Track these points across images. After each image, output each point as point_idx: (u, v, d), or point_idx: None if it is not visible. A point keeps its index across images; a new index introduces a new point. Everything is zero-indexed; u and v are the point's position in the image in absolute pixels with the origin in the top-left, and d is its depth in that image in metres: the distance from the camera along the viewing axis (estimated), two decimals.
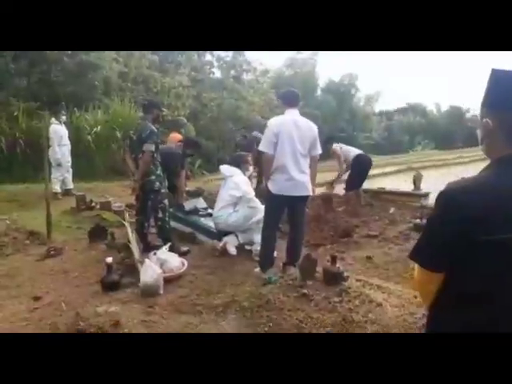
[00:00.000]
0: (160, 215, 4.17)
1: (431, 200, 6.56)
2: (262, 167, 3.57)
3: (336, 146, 6.08)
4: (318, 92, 24.10)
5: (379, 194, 6.65)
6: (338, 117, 22.55)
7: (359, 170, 5.89)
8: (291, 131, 3.37)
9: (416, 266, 1.25)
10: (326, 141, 5.84)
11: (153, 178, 4.10)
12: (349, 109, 24.52)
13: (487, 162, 1.21)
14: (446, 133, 31.61)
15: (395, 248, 4.23)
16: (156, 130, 4.12)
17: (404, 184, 9.22)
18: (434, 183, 8.87)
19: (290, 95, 3.61)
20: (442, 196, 1.17)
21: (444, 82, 63.96)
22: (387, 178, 10.80)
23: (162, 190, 4.19)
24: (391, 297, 2.96)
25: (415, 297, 2.92)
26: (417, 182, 6.45)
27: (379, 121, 29.57)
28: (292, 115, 3.48)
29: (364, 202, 6.19)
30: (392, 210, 5.15)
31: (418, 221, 4.64)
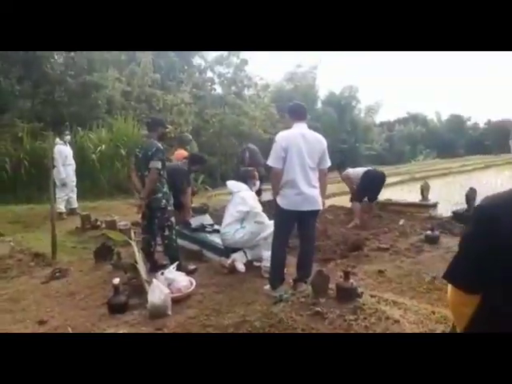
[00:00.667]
0: (167, 233, 4.10)
1: (439, 210, 6.49)
2: (271, 182, 3.50)
3: (346, 172, 6.10)
4: (319, 105, 24.23)
5: (387, 205, 6.57)
6: (339, 129, 22.62)
7: (368, 184, 5.83)
8: (300, 145, 3.32)
9: (449, 286, 1.19)
10: (338, 167, 5.90)
11: (159, 195, 4.05)
12: (350, 120, 24.62)
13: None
14: (447, 141, 31.64)
15: (407, 261, 4.12)
16: (162, 148, 4.08)
17: (408, 194, 9.15)
18: (439, 192, 8.83)
19: (298, 108, 3.56)
20: (476, 211, 1.11)
21: (444, 90, 64.49)
22: (391, 188, 10.72)
23: (169, 208, 4.13)
24: (408, 313, 2.86)
25: (433, 313, 2.83)
26: (424, 192, 6.37)
27: (380, 132, 29.65)
28: (300, 129, 3.43)
29: (373, 214, 6.13)
30: (402, 221, 5.06)
31: (429, 232, 4.55)
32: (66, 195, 7.45)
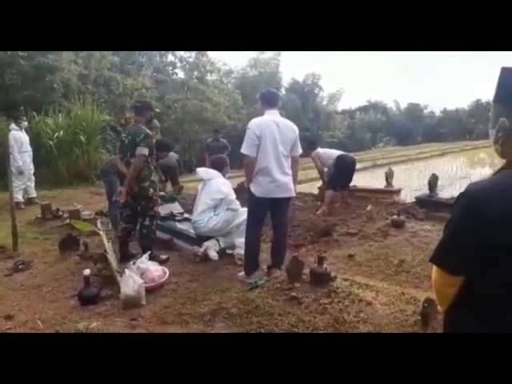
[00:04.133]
0: (147, 223, 3.96)
1: (403, 196, 6.75)
2: (245, 170, 3.48)
3: (316, 152, 6.09)
4: (283, 91, 24.29)
5: (353, 191, 6.74)
6: (302, 116, 22.83)
7: (341, 170, 5.91)
8: (273, 133, 3.32)
9: (434, 268, 1.24)
10: (308, 146, 5.81)
11: (146, 184, 3.89)
12: (313, 108, 24.89)
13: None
14: (406, 129, 32.83)
15: (375, 245, 4.26)
16: (151, 134, 3.92)
17: (372, 181, 9.41)
18: (399, 179, 9.16)
19: (270, 96, 3.54)
20: (463, 197, 1.15)
21: (402, 79, 66.53)
22: (355, 175, 10.98)
23: (154, 198, 3.98)
24: (379, 295, 2.97)
25: (403, 294, 2.95)
26: (389, 178, 6.59)
27: (342, 119, 30.23)
28: (272, 116, 3.43)
29: (344, 202, 6.26)
30: (369, 207, 5.22)
31: (395, 217, 4.72)
32: (24, 184, 7.11)
